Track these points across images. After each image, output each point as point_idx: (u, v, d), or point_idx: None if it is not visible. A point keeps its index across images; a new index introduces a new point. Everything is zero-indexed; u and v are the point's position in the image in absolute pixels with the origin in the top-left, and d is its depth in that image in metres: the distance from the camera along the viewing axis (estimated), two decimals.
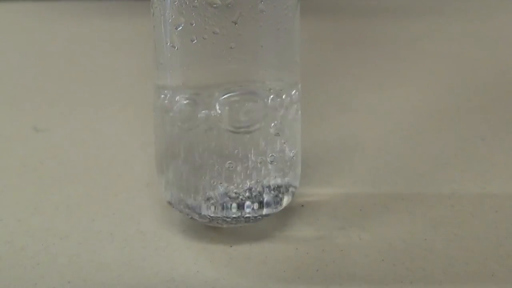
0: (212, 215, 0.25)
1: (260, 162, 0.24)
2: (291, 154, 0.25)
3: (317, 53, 0.45)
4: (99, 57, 0.48)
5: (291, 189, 0.26)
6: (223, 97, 0.23)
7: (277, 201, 0.25)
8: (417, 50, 0.47)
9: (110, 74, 0.44)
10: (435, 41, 0.48)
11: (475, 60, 0.45)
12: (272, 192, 0.25)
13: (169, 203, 0.26)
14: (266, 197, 0.25)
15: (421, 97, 0.39)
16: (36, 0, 0.56)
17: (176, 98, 0.24)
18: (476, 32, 0.49)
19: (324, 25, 0.50)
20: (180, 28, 0.23)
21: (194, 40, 0.23)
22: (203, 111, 0.23)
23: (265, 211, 0.25)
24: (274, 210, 0.25)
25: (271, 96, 0.24)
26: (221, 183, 0.24)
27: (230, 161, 0.24)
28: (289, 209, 0.27)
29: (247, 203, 0.25)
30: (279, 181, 0.25)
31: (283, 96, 0.24)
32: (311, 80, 0.39)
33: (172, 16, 0.23)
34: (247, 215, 0.25)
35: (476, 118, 0.37)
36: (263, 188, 0.25)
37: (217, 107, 0.23)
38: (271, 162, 0.24)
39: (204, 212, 0.25)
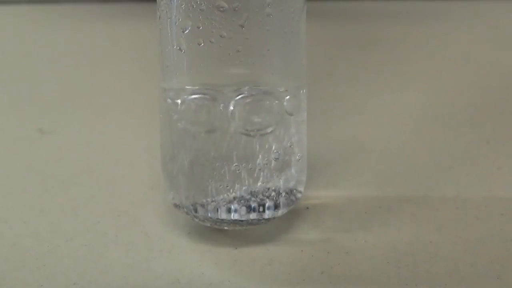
0: (217, 217, 0.25)
1: (267, 164, 0.24)
2: (297, 157, 0.25)
3: (323, 56, 0.45)
4: (104, 59, 0.48)
5: (296, 192, 0.26)
6: (237, 98, 0.23)
7: (282, 204, 0.25)
8: (422, 53, 0.47)
9: (115, 76, 0.45)
10: (440, 44, 0.48)
11: (480, 63, 0.45)
12: (278, 195, 0.25)
13: (174, 205, 0.26)
14: (270, 201, 0.25)
15: (426, 100, 0.39)
16: (41, 3, 0.56)
17: (183, 101, 0.24)
18: (481, 35, 0.49)
19: (329, 28, 0.50)
20: (187, 31, 0.23)
21: (201, 44, 0.23)
22: (213, 112, 0.23)
23: (270, 214, 0.25)
24: (279, 214, 0.25)
25: (286, 98, 0.24)
26: (227, 186, 0.24)
27: (236, 164, 0.24)
28: (294, 211, 0.27)
29: (252, 206, 0.25)
30: (284, 184, 0.25)
31: (290, 99, 0.24)
32: (316, 83, 0.39)
33: (179, 19, 0.23)
34: (252, 218, 0.25)
35: (481, 121, 0.37)
36: (268, 191, 0.25)
37: (231, 108, 0.23)
38: (277, 164, 0.24)
39: (210, 214, 0.25)
